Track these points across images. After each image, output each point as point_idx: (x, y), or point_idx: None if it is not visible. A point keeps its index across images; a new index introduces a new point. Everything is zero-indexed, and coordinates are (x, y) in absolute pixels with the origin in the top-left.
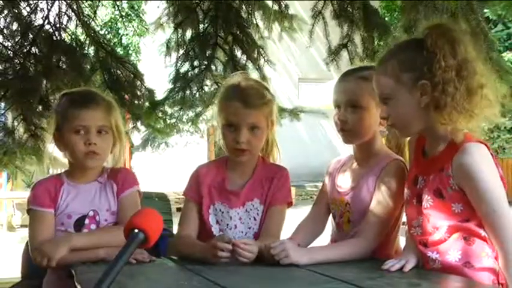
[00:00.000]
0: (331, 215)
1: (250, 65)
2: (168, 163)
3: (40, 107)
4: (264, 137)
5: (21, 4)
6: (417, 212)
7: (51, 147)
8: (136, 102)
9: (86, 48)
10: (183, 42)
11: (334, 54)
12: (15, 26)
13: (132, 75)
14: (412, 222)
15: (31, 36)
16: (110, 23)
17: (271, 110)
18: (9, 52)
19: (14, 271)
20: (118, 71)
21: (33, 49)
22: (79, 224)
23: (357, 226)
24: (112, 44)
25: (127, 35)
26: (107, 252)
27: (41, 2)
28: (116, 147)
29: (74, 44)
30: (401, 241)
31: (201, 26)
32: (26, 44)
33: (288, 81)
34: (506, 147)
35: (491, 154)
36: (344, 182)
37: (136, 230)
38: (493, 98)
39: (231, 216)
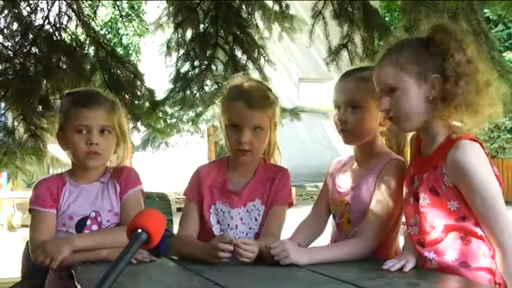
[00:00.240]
0: (331, 215)
1: (250, 65)
2: (168, 163)
3: (40, 107)
4: (267, 138)
5: (22, 4)
6: (414, 211)
7: (53, 147)
8: (136, 102)
9: (86, 48)
10: (183, 42)
11: (334, 54)
12: (15, 26)
13: (132, 75)
14: (409, 221)
15: (31, 36)
16: (110, 23)
17: (274, 111)
18: (9, 52)
19: (14, 271)
20: (118, 71)
21: (34, 49)
22: (80, 225)
23: (357, 226)
24: (112, 44)
25: (127, 35)
26: (109, 253)
27: (41, 2)
28: (119, 147)
29: (74, 44)
30: (401, 241)
31: (202, 26)
32: (26, 44)
33: (288, 81)
34: (506, 147)
35: (486, 153)
36: (344, 182)
37: (139, 230)
38: (496, 96)
39: (232, 216)
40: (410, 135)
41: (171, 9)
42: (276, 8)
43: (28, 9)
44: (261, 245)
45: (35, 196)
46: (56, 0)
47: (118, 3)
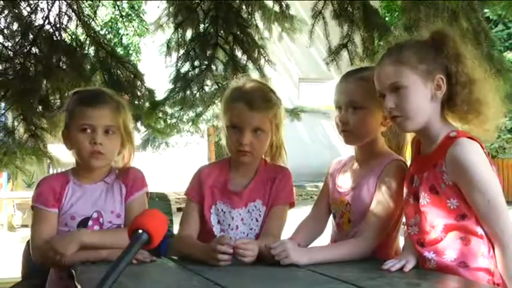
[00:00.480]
0: (331, 215)
1: (250, 65)
2: (168, 163)
3: (40, 107)
4: (268, 140)
5: (22, 4)
6: (414, 211)
7: (53, 147)
8: (136, 102)
9: (86, 48)
10: (183, 42)
11: (334, 54)
12: (15, 26)
13: (132, 76)
14: (409, 222)
15: (31, 36)
16: (110, 23)
17: (276, 113)
18: (9, 52)
19: (15, 271)
20: (118, 71)
21: (34, 49)
22: (82, 226)
23: (357, 226)
24: (112, 44)
25: (127, 35)
26: (109, 253)
27: (41, 2)
28: (124, 148)
29: (74, 44)
30: (402, 241)
31: (202, 26)
32: (26, 44)
33: (288, 81)
34: (506, 147)
35: (486, 153)
36: (344, 182)
37: (140, 231)
38: (499, 100)
39: (232, 217)
40: (410, 136)
41: (171, 9)
42: (276, 8)
43: (28, 9)
44: (261, 245)
45: (37, 194)
46: (56, 0)
47: (118, 3)
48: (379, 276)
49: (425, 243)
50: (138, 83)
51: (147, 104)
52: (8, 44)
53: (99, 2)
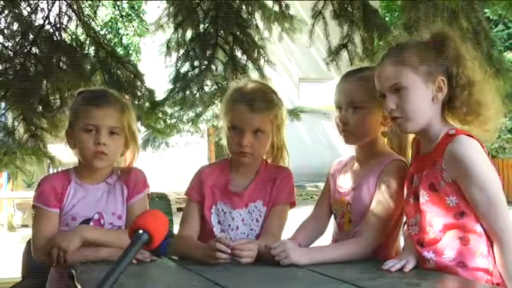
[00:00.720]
0: (332, 215)
1: (250, 65)
2: (168, 163)
3: (40, 107)
4: (268, 141)
5: (22, 4)
6: (414, 210)
7: (53, 148)
8: (136, 102)
9: (86, 49)
10: (183, 43)
11: (334, 54)
12: (15, 26)
13: (132, 76)
14: (409, 221)
15: (31, 36)
16: (110, 23)
17: (276, 114)
18: (9, 52)
19: (15, 271)
20: (118, 71)
21: (34, 49)
22: None
23: (357, 226)
24: (112, 44)
25: (127, 35)
26: (110, 253)
27: (42, 2)
28: (128, 148)
29: (74, 44)
30: (402, 241)
31: (202, 26)
32: (26, 44)
33: (288, 81)
34: (506, 147)
35: (486, 151)
36: (345, 182)
37: (140, 231)
38: (499, 101)
39: (233, 217)
40: (412, 136)
41: (171, 9)
42: (276, 8)
43: (28, 9)
44: (261, 245)
45: (38, 193)
46: (56, 1)
47: (118, 3)
48: (379, 276)
49: (425, 243)
50: (138, 83)
51: (147, 104)
52: (8, 44)
53: (99, 2)
